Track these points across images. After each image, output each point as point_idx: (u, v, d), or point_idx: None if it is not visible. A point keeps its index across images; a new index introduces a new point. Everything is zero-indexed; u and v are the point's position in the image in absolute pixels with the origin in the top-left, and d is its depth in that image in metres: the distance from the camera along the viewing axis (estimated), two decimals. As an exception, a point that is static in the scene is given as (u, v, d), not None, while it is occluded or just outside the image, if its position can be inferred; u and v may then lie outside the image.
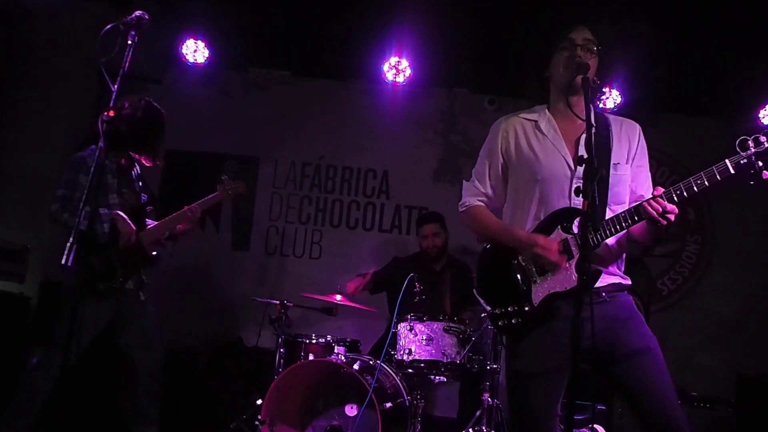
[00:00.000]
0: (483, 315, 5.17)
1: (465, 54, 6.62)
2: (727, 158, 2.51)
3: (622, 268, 2.87)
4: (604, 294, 2.73)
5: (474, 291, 2.99)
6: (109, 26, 2.68)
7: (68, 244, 2.59)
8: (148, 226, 4.47)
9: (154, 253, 4.48)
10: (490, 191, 3.03)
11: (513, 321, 2.78)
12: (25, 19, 6.25)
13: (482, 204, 3.04)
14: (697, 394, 5.51)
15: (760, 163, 2.48)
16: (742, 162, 2.49)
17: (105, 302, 4.21)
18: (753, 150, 2.48)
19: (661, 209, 2.52)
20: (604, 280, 2.73)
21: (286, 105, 7.29)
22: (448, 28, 6.15)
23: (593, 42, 2.82)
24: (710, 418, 5.42)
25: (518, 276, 2.81)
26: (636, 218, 2.61)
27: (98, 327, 4.22)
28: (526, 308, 2.76)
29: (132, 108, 4.35)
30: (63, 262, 2.55)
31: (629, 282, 2.85)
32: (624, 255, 2.89)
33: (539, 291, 2.75)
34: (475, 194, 3.05)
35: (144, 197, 4.55)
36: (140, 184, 4.57)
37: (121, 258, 4.26)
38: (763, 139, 2.48)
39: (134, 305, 4.39)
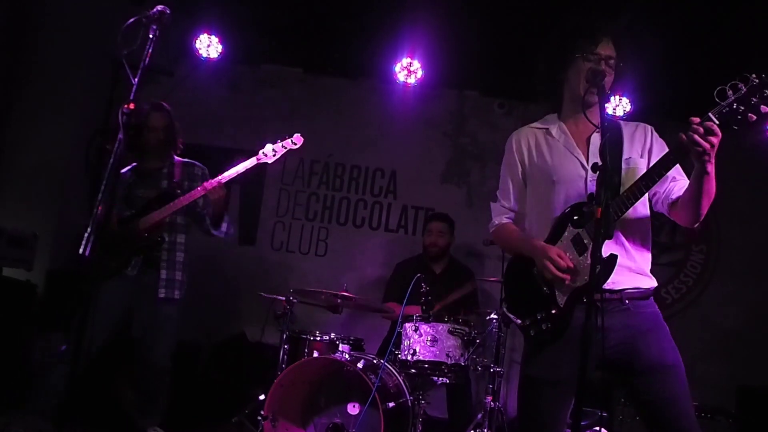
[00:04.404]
0: (488, 318, 5.20)
1: (476, 57, 6.64)
2: (710, 111, 2.47)
3: (649, 266, 2.83)
4: (627, 301, 2.71)
5: (504, 309, 3.00)
6: (132, 20, 2.71)
7: (86, 234, 2.61)
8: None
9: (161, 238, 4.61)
10: (515, 205, 3.04)
11: (543, 327, 2.76)
12: (37, 9, 6.27)
13: (509, 221, 3.06)
14: (698, 404, 5.49)
15: (743, 108, 2.44)
16: (724, 111, 2.45)
17: (114, 289, 4.34)
18: (733, 97, 2.45)
19: (702, 130, 2.43)
20: (627, 282, 2.71)
21: (297, 102, 7.31)
22: (460, 30, 6.16)
23: (614, 58, 2.83)
24: (711, 429, 5.42)
25: (540, 282, 2.81)
26: (674, 158, 2.56)
27: (112, 315, 4.38)
28: (553, 311, 2.75)
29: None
30: (81, 251, 2.57)
31: (655, 283, 2.80)
32: (650, 251, 2.85)
33: (563, 292, 2.75)
34: (502, 213, 3.08)
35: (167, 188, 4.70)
36: (167, 181, 4.73)
37: (113, 244, 4.42)
38: (740, 84, 2.45)
39: (150, 298, 4.52)
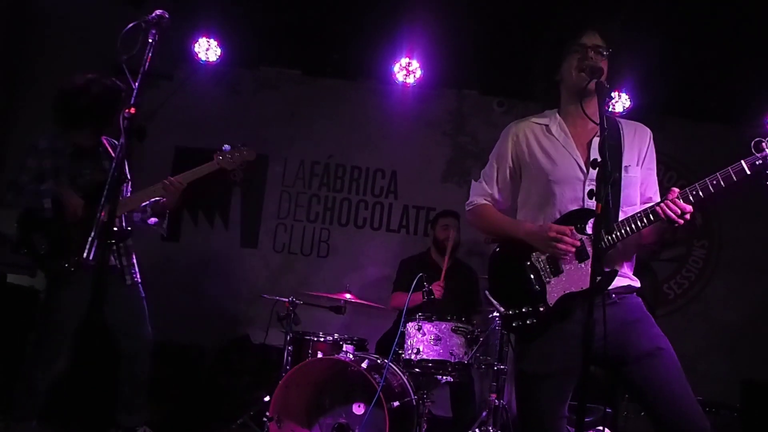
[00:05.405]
0: (491, 316, 5.21)
1: (475, 56, 6.64)
2: (743, 159, 2.52)
3: (632, 270, 2.88)
4: (614, 296, 2.75)
5: (486, 292, 3.01)
6: (131, 24, 2.71)
7: (89, 239, 2.61)
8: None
9: (122, 228, 4.34)
10: (496, 194, 3.06)
11: (528, 321, 2.79)
12: (37, 14, 6.28)
13: (488, 203, 3.08)
14: (702, 398, 5.50)
15: None
16: (758, 163, 2.49)
17: (76, 282, 4.08)
18: None
19: (680, 211, 2.54)
20: (615, 282, 2.74)
21: (297, 104, 7.33)
22: (458, 30, 6.16)
23: (603, 46, 2.84)
24: (715, 424, 5.42)
25: (532, 276, 2.83)
26: (652, 218, 2.61)
27: (81, 310, 4.14)
28: (541, 308, 2.77)
29: (86, 82, 4.23)
30: (85, 256, 2.56)
31: (639, 284, 2.86)
32: (635, 257, 2.90)
33: (554, 291, 2.77)
34: (482, 194, 3.09)
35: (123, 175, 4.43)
36: (108, 162, 4.32)
37: (73, 233, 4.09)
38: None
39: (119, 285, 4.30)
